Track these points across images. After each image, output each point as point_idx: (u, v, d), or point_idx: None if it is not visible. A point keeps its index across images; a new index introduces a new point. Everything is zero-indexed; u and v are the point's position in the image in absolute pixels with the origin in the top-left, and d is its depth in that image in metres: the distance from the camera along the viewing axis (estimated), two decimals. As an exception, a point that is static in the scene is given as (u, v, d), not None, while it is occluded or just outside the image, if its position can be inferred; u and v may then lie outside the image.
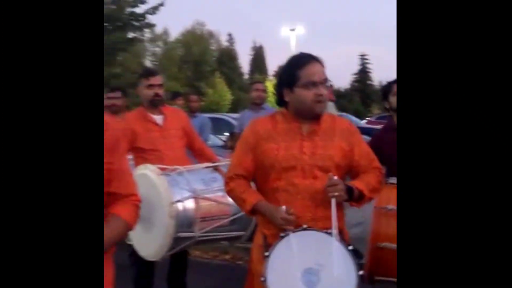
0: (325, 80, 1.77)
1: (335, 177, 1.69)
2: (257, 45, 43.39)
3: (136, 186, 1.39)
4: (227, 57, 39.48)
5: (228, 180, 1.85)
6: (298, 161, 1.74)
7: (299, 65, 1.76)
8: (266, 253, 1.64)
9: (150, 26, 13.19)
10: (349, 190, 1.72)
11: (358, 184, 1.76)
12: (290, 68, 1.79)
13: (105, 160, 1.25)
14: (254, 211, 1.78)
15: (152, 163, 2.62)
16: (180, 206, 2.38)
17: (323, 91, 1.74)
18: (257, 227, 1.89)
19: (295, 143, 1.77)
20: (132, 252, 2.72)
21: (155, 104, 2.88)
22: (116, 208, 1.32)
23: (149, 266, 2.80)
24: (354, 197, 1.75)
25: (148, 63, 31.37)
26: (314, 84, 1.73)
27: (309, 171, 1.74)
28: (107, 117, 1.34)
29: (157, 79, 2.91)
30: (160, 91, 2.90)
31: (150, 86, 2.86)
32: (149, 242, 2.46)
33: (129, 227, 1.34)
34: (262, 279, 1.60)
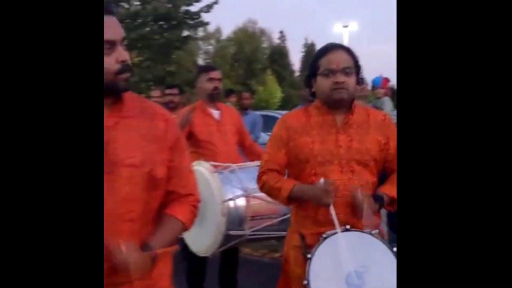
0: (346, 67, 1.72)
1: (359, 193, 1.65)
2: (309, 42, 43.06)
3: (196, 186, 1.38)
4: (279, 54, 39.46)
5: (261, 174, 1.82)
6: (334, 156, 1.71)
7: (320, 54, 1.76)
8: (308, 255, 1.60)
9: (204, 24, 13.37)
10: (379, 198, 1.69)
11: (387, 190, 1.72)
12: (314, 58, 1.80)
13: (166, 157, 1.28)
14: (291, 198, 1.74)
15: (206, 157, 2.67)
16: (231, 204, 2.40)
17: (342, 78, 1.70)
18: (291, 227, 1.86)
19: (330, 137, 1.73)
20: (184, 247, 2.78)
21: (213, 97, 2.96)
22: (173, 209, 1.32)
23: (201, 262, 2.85)
24: (385, 203, 1.72)
25: (201, 61, 32.02)
26: (332, 71, 1.71)
27: (346, 165, 1.70)
28: (170, 114, 1.36)
29: (216, 74, 3.00)
30: (219, 85, 2.99)
31: (210, 79, 2.95)
32: (201, 238, 2.49)
33: (185, 229, 1.34)
34: (305, 282, 1.57)
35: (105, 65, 1.16)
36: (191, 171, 1.39)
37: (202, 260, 2.80)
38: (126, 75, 1.19)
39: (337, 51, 1.74)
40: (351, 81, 1.73)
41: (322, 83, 1.74)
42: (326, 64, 1.72)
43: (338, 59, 1.72)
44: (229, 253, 2.82)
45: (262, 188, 1.85)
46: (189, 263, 2.91)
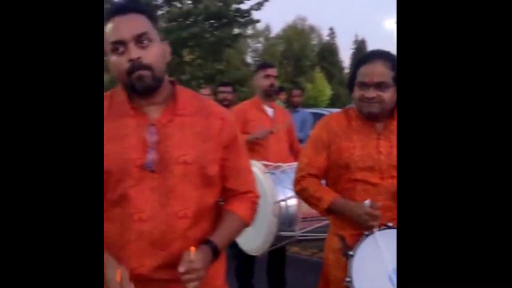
0: (381, 82, 1.63)
1: None
2: (359, 38, 42.23)
3: (255, 184, 1.37)
4: (328, 51, 39.00)
5: (300, 179, 1.78)
6: (375, 162, 1.66)
7: (360, 62, 1.71)
8: (350, 253, 1.57)
9: (254, 22, 13.40)
10: None
11: None
12: (355, 65, 1.76)
13: (219, 156, 1.26)
14: (330, 209, 1.69)
15: (258, 154, 2.69)
16: (283, 205, 2.40)
17: (373, 93, 1.64)
18: (330, 229, 1.81)
19: (371, 142, 1.68)
20: (234, 245, 2.80)
21: (269, 94, 3.01)
22: (233, 205, 1.31)
23: (249, 260, 2.88)
24: None
25: (249, 59, 32.24)
26: (365, 85, 1.65)
27: (387, 171, 1.65)
28: (227, 113, 1.34)
29: (273, 71, 3.04)
30: (275, 83, 3.04)
31: (267, 76, 2.99)
32: (252, 238, 2.50)
33: (246, 224, 1.33)
34: (348, 280, 1.54)
35: (117, 65, 1.17)
36: (249, 170, 1.37)
37: (251, 258, 2.83)
38: (137, 73, 1.16)
39: (375, 63, 1.65)
40: (386, 95, 1.65)
41: (356, 94, 1.70)
42: (361, 75, 1.68)
43: (374, 73, 1.65)
44: (277, 252, 2.83)
45: (299, 193, 1.81)
46: (238, 260, 2.94)
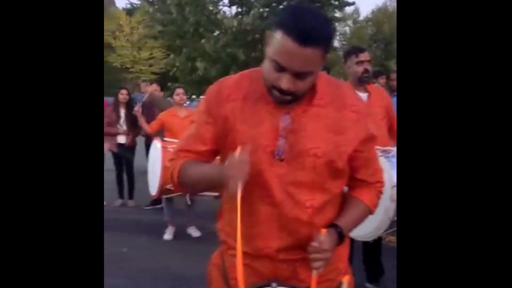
0: None
1: None
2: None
3: (382, 172, 1.38)
4: (421, 33, 36.78)
5: None
6: None
7: None
8: None
9: (348, 4, 13.03)
10: None
11: None
12: None
13: (356, 149, 1.25)
14: None
15: None
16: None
17: None
18: None
19: None
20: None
21: (363, 80, 2.91)
22: (361, 193, 1.33)
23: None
24: None
25: (337, 43, 31.55)
26: None
27: None
28: (362, 104, 1.33)
29: (366, 55, 2.94)
30: (369, 67, 2.92)
31: (360, 62, 2.90)
32: (365, 223, 2.46)
33: (370, 212, 1.35)
34: None
35: (268, 75, 1.17)
36: (377, 159, 1.38)
37: (350, 244, 2.79)
38: (277, 94, 1.17)
39: None
40: None
41: None
42: None
43: None
44: (373, 240, 2.77)
45: None
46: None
